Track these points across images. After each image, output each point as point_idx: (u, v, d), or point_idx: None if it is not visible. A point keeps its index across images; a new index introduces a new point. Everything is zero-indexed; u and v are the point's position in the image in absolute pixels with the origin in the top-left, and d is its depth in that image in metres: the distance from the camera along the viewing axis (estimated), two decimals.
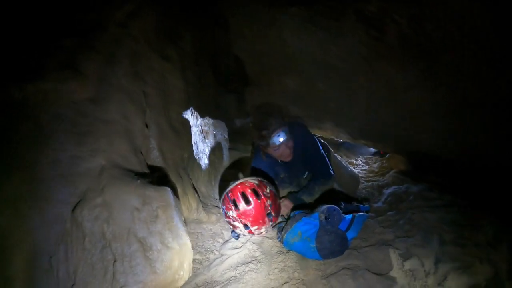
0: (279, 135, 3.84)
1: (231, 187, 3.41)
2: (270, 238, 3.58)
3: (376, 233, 3.57)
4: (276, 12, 4.97)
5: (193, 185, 4.12)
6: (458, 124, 4.16)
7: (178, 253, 2.58)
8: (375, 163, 7.87)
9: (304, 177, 4.39)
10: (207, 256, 3.38)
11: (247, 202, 3.30)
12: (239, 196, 3.32)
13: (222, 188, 4.53)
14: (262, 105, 6.09)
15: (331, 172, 4.20)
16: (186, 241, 2.66)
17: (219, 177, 5.26)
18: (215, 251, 3.45)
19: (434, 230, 3.29)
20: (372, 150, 9.08)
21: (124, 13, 3.32)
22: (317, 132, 6.85)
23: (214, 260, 3.29)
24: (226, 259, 3.27)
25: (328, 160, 4.33)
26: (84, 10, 3.20)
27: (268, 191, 3.42)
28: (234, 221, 3.42)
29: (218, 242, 3.61)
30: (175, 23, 4.36)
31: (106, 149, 2.79)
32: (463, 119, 4.05)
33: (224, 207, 3.48)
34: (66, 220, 2.55)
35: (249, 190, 3.32)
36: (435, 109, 4.28)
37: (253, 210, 3.31)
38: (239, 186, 3.36)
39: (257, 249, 3.39)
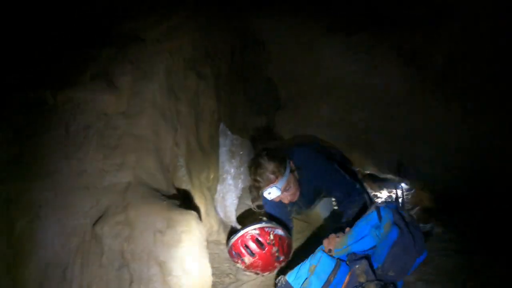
0: (270, 192, 3.33)
1: (232, 240, 3.25)
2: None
3: None
4: (315, 37, 4.93)
5: (216, 206, 4.05)
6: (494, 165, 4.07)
7: (198, 281, 2.51)
8: (399, 197, 7.72)
9: (313, 205, 4.14)
10: (222, 279, 3.32)
11: (252, 254, 3.18)
12: (242, 250, 3.19)
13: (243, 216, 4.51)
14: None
15: (357, 187, 3.57)
16: (207, 269, 2.58)
17: (240, 199, 5.18)
18: (230, 275, 3.39)
19: (457, 277, 3.18)
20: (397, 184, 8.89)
21: (164, 29, 3.29)
22: None
23: (229, 284, 3.24)
24: (241, 285, 3.22)
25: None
26: (123, 23, 3.18)
27: (271, 237, 3.25)
28: (244, 270, 3.35)
29: (234, 265, 3.53)
30: (211, 42, 4.32)
31: (134, 165, 2.73)
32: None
33: (231, 259, 3.38)
34: (85, 233, 2.49)
35: (251, 243, 3.19)
36: (470, 147, 4.19)
37: (260, 260, 3.20)
38: (239, 241, 3.22)
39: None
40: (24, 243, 2.40)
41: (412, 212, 5.62)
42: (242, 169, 4.97)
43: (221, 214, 4.20)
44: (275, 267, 3.32)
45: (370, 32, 4.58)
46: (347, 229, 2.59)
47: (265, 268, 3.27)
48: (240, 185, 4.96)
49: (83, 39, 3.09)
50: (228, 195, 4.60)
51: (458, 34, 3.99)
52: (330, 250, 2.56)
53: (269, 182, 3.29)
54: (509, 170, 3.96)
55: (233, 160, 4.80)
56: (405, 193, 5.96)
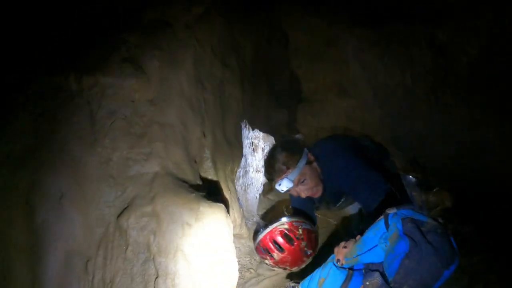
0: (280, 184, 3.17)
1: (261, 236, 3.21)
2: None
3: None
4: (339, 31, 4.84)
5: (239, 199, 3.97)
6: None
7: (225, 276, 2.42)
8: (419, 196, 7.63)
9: (338, 204, 3.73)
10: (242, 273, 3.29)
11: (281, 249, 3.13)
12: (271, 245, 3.14)
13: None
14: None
15: (381, 184, 3.03)
16: (234, 264, 2.49)
17: (262, 193, 5.13)
18: (251, 270, 3.39)
19: (480, 278, 3.08)
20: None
21: (193, 16, 3.23)
22: None
23: (250, 279, 3.23)
24: (262, 280, 3.22)
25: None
26: (152, 8, 3.10)
27: (300, 232, 3.19)
28: (273, 267, 3.29)
29: (255, 260, 3.51)
30: (237, 32, 4.25)
31: (161, 154, 2.65)
32: None
33: (259, 256, 3.33)
34: (109, 225, 2.41)
35: (280, 238, 3.13)
36: (494, 147, 4.07)
37: (289, 256, 3.14)
38: (267, 236, 3.17)
39: (297, 273, 3.26)
40: (45, 234, 2.30)
41: (435, 211, 5.51)
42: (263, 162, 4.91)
43: (243, 208, 4.12)
44: (304, 262, 3.25)
45: (400, 24, 4.49)
46: (358, 237, 2.36)
47: (294, 263, 3.21)
48: (262, 179, 4.91)
49: (111, 24, 3.00)
50: (250, 188, 4.53)
51: (493, 27, 3.88)
52: (339, 260, 2.37)
53: (281, 173, 3.16)
54: None
55: (255, 153, 4.74)
56: (424, 195, 5.73)
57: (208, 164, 3.27)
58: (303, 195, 3.24)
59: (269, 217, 4.51)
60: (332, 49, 5.03)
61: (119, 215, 2.39)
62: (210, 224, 2.37)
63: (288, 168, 3.14)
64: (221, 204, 2.50)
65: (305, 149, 3.29)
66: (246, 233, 3.85)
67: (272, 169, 3.20)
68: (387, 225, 2.15)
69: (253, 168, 4.76)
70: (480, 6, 3.83)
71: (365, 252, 2.20)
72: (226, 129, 3.77)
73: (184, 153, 2.85)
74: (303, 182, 3.18)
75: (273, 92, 5.52)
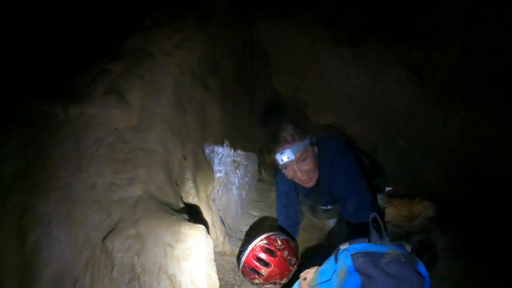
0: (282, 153, 3.10)
1: (243, 258, 3.32)
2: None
3: None
4: (319, 50, 4.95)
5: (221, 217, 4.08)
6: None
7: None
8: (403, 207, 7.73)
9: (325, 208, 3.82)
10: None
11: (266, 264, 3.23)
12: (256, 263, 3.25)
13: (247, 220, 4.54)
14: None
15: (374, 206, 3.16)
16: (216, 282, 2.60)
17: (245, 209, 5.21)
18: (235, 286, 3.43)
19: (462, 287, 3.20)
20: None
21: (173, 42, 3.32)
22: None
23: None
24: None
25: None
26: (133, 37, 3.21)
27: (279, 243, 3.33)
28: (263, 285, 3.36)
29: (239, 276, 3.57)
30: (218, 52, 4.35)
31: (144, 179, 2.75)
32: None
33: (247, 279, 3.40)
34: (96, 247, 2.51)
35: (262, 254, 3.25)
36: (469, 160, 4.20)
37: (276, 268, 3.24)
38: (251, 255, 3.28)
39: None
40: (36, 256, 2.41)
41: (417, 221, 5.64)
42: (246, 179, 5.01)
43: (226, 225, 4.22)
44: (291, 271, 3.37)
45: (376, 44, 4.60)
46: (315, 268, 2.34)
47: (282, 274, 3.33)
48: (245, 196, 4.99)
49: (90, 53, 3.11)
50: (233, 205, 4.62)
51: (463, 45, 4.01)
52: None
53: (284, 143, 3.13)
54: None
55: (237, 171, 4.83)
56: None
57: (189, 185, 3.36)
58: (299, 175, 3.22)
59: (252, 234, 4.61)
60: (312, 68, 5.12)
61: (104, 238, 2.48)
62: (191, 245, 2.47)
63: (293, 140, 3.14)
64: (201, 225, 2.59)
65: (311, 133, 3.39)
66: (229, 249, 3.95)
67: (276, 138, 3.16)
68: (336, 260, 2.13)
69: (235, 185, 4.85)
70: (451, 29, 3.97)
71: (322, 283, 2.18)
72: (208, 150, 3.88)
73: (166, 176, 2.94)
74: (304, 160, 3.19)
75: (255, 110, 5.62)
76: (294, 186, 3.76)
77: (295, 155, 3.07)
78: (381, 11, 4.30)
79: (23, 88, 3.00)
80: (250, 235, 4.49)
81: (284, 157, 3.08)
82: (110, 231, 2.51)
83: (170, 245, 2.44)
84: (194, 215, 2.99)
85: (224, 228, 3.98)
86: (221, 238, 3.76)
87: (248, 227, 4.93)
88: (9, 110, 2.88)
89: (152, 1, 3.55)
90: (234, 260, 3.85)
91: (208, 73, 4.01)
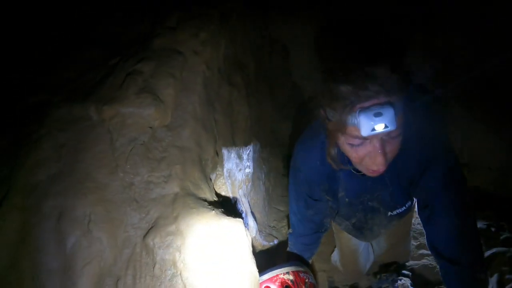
0: (376, 113, 1.51)
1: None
2: None
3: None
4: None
5: (252, 212, 4.10)
6: None
7: (249, 286, 2.51)
8: None
9: (390, 214, 2.46)
10: None
11: None
12: None
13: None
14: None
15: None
16: (256, 274, 2.60)
17: (271, 204, 5.22)
18: None
19: (494, 270, 3.20)
20: None
21: (200, 41, 3.33)
22: None
23: None
24: None
25: None
26: (159, 37, 3.23)
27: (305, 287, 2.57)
28: None
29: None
30: (240, 50, 4.37)
31: (180, 176, 2.77)
32: None
33: None
34: (136, 245, 2.53)
35: None
36: None
37: None
38: (263, 286, 2.61)
39: None
40: (76, 257, 2.42)
41: None
42: (272, 174, 5.02)
43: (256, 220, 4.24)
44: None
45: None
46: None
47: None
48: (271, 191, 5.00)
49: (120, 56, 3.14)
50: (261, 200, 4.63)
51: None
52: None
53: (380, 96, 1.56)
54: None
55: (263, 166, 4.84)
56: None
57: (221, 180, 3.39)
58: (379, 160, 1.70)
59: (279, 228, 4.64)
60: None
61: (145, 235, 2.51)
62: (231, 239, 2.49)
63: (395, 93, 1.58)
64: (240, 219, 2.60)
65: None
66: (260, 245, 3.97)
67: (363, 83, 1.56)
68: None
69: (262, 181, 4.86)
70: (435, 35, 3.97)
71: None
72: (237, 145, 3.89)
73: (201, 173, 2.97)
74: (398, 136, 1.73)
75: (277, 104, 5.63)
76: (333, 176, 2.33)
77: (396, 118, 1.54)
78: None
79: (52, 93, 3.02)
80: (278, 232, 4.53)
81: (379, 125, 1.51)
82: (150, 228, 2.54)
83: (210, 240, 2.45)
84: (229, 210, 2.98)
85: (255, 223, 3.99)
86: (253, 233, 3.77)
87: (276, 221, 4.95)
88: (39, 116, 2.90)
89: (172, 1, 3.56)
90: (265, 255, 3.87)
91: (232, 70, 4.03)
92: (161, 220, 2.54)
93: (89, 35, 3.41)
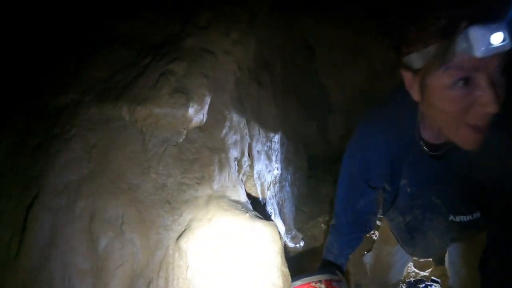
0: (491, 36, 1.15)
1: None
2: None
3: None
4: (366, 43, 4.91)
5: (279, 214, 4.07)
6: None
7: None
8: None
9: (447, 220, 2.10)
10: None
11: None
12: None
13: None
14: None
15: None
16: (289, 278, 2.55)
17: (297, 206, 5.20)
18: None
19: None
20: None
21: (231, 41, 3.31)
22: None
23: None
24: None
25: None
26: (191, 37, 3.21)
27: None
28: None
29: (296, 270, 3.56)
30: (266, 50, 4.35)
31: (213, 178, 2.76)
32: None
33: None
34: (169, 247, 2.51)
35: None
36: None
37: None
38: None
39: None
40: (108, 259, 2.42)
41: None
42: (297, 175, 4.99)
43: (283, 222, 4.22)
44: None
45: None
46: None
47: None
48: (296, 192, 4.97)
49: (152, 56, 3.12)
50: (287, 202, 4.61)
51: None
52: None
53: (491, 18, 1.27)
54: None
55: (289, 168, 4.81)
56: None
57: (251, 182, 3.37)
58: (488, 97, 1.29)
59: (304, 230, 4.61)
60: (359, 60, 5.08)
61: (178, 238, 2.48)
62: (266, 241, 2.46)
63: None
64: (273, 222, 2.58)
65: None
66: (287, 247, 3.95)
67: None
68: None
69: (288, 182, 4.83)
70: None
71: None
72: (266, 145, 3.87)
73: (233, 174, 2.95)
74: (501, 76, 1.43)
75: (301, 104, 5.60)
76: (399, 159, 2.02)
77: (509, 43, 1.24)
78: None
79: (83, 93, 3.01)
80: (305, 232, 4.50)
81: (496, 35, 1.17)
82: (184, 231, 2.51)
83: (245, 242, 2.42)
84: (260, 212, 2.95)
85: (283, 225, 3.97)
86: (282, 233, 3.75)
87: (302, 223, 4.93)
88: (70, 116, 2.88)
89: (201, 2, 3.54)
90: (292, 256, 3.84)
91: (261, 70, 4.02)
92: (194, 222, 2.52)
93: (118, 34, 3.38)
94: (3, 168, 2.98)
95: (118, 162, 2.68)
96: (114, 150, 2.72)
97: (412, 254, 2.71)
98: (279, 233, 2.59)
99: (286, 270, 2.57)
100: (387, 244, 2.97)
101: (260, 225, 2.49)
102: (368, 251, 3.97)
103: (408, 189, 2.08)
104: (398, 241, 2.62)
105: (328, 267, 2.56)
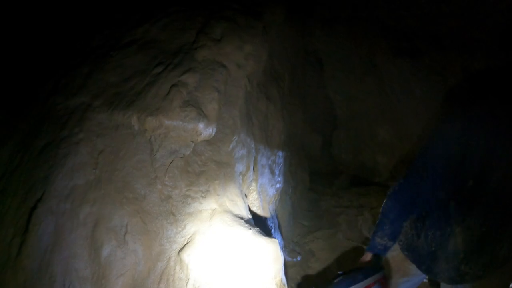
0: None
1: None
2: None
3: None
4: (378, 61, 4.90)
5: (279, 228, 4.07)
6: None
7: None
8: None
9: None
10: None
11: None
12: None
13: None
14: None
15: None
16: None
17: (296, 219, 5.19)
18: None
19: None
20: None
21: (244, 54, 3.31)
22: None
23: None
24: None
25: None
26: (204, 49, 3.21)
27: None
28: None
29: (290, 286, 3.56)
30: (277, 63, 4.35)
31: (218, 192, 2.76)
32: None
33: None
34: (170, 259, 2.51)
35: None
36: None
37: None
38: None
39: None
40: (110, 267, 2.44)
41: None
42: (298, 188, 4.99)
43: (281, 236, 4.22)
44: None
45: (437, 55, 4.53)
46: None
47: None
48: (296, 205, 4.97)
49: (164, 66, 3.12)
50: (286, 215, 4.61)
51: None
52: None
53: None
54: None
55: (291, 180, 4.81)
56: None
57: (254, 196, 3.37)
58: None
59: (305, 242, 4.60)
60: (370, 78, 5.07)
61: (180, 250, 2.48)
62: (268, 260, 2.46)
63: None
64: (276, 239, 2.57)
65: None
66: (285, 261, 3.95)
67: None
68: None
69: (289, 195, 4.83)
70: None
71: None
72: (270, 159, 3.87)
73: (238, 189, 2.94)
74: None
75: (307, 117, 5.61)
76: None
77: None
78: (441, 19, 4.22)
79: (93, 96, 3.01)
80: (303, 247, 4.50)
81: None
82: (186, 243, 2.51)
83: (248, 260, 2.42)
84: (261, 226, 2.96)
85: (281, 239, 3.97)
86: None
87: (300, 236, 4.92)
88: (79, 119, 2.89)
89: (216, 12, 3.53)
90: (288, 270, 3.84)
91: (270, 83, 4.02)
92: (197, 236, 2.52)
93: (133, 39, 3.39)
94: (8, 167, 2.99)
95: (126, 170, 2.69)
96: (122, 158, 2.73)
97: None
98: (281, 251, 2.59)
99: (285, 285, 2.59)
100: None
101: (263, 243, 2.48)
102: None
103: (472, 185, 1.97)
104: None
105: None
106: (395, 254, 2.44)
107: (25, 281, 2.45)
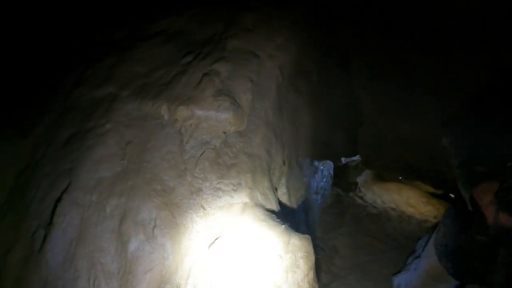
0: None
1: None
2: None
3: None
4: (405, 56, 4.82)
5: (306, 223, 4.00)
6: None
7: None
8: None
9: None
10: None
11: None
12: None
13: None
14: None
15: None
16: None
17: (319, 215, 5.13)
18: None
19: None
20: None
21: (275, 45, 3.25)
22: None
23: None
24: None
25: None
26: (234, 38, 3.15)
27: None
28: None
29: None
30: (305, 57, 4.27)
31: (249, 185, 2.68)
32: None
33: None
34: (200, 254, 2.44)
35: None
36: None
37: None
38: None
39: None
40: (137, 262, 2.36)
41: None
42: (322, 184, 4.92)
43: (307, 231, 4.14)
44: None
45: (467, 51, 4.45)
46: None
47: None
48: (320, 200, 4.90)
49: (195, 55, 3.06)
50: (310, 211, 4.54)
51: None
52: None
53: None
54: None
55: (316, 176, 4.75)
56: None
57: (283, 190, 3.29)
58: None
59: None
60: (397, 72, 4.98)
61: (210, 245, 2.41)
62: (300, 257, 2.38)
63: None
64: (309, 236, 2.50)
65: None
66: None
67: None
68: None
69: (314, 190, 4.77)
70: None
71: None
72: (299, 154, 3.79)
73: (269, 182, 2.87)
74: None
75: (332, 113, 5.52)
76: None
77: None
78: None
79: (120, 87, 2.96)
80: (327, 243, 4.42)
81: None
82: (216, 238, 2.43)
83: (280, 256, 2.34)
84: (290, 221, 2.87)
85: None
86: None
87: (323, 233, 4.86)
88: (106, 110, 2.84)
89: (245, 3, 3.47)
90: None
91: (299, 77, 3.94)
92: (228, 231, 2.45)
93: (161, 29, 3.35)
94: (32, 159, 2.93)
95: (154, 162, 2.62)
96: (150, 149, 2.67)
97: None
98: (312, 248, 2.51)
99: (316, 286, 2.50)
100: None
101: (296, 240, 2.41)
102: (399, 272, 3.87)
103: None
104: None
105: None
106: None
107: (48, 275, 2.39)
